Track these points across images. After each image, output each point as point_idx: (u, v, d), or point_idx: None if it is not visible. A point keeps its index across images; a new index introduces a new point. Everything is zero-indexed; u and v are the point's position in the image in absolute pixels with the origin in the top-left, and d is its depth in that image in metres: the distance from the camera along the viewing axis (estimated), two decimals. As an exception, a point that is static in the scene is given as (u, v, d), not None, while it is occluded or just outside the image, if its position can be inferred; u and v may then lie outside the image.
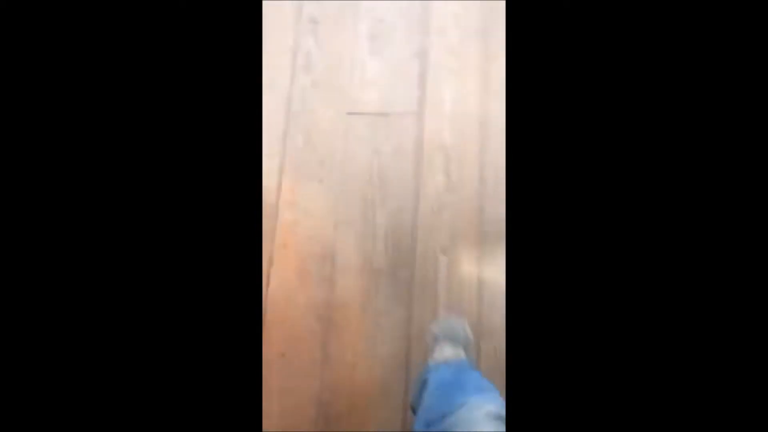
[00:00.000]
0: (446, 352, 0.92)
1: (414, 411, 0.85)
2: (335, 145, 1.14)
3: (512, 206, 0.39)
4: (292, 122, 1.15)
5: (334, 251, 1.08)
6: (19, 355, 0.35)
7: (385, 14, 1.21)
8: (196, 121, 0.38)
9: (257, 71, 0.41)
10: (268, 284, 1.07)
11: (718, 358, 0.34)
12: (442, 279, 1.06)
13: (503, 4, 1.15)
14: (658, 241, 0.36)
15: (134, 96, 0.37)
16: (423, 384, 0.83)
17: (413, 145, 1.13)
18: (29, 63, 0.36)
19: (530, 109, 0.39)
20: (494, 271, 1.05)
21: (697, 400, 0.34)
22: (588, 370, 0.36)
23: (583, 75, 0.37)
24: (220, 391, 0.37)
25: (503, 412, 0.58)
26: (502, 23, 1.17)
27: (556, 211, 0.38)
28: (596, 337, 0.36)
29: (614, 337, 0.36)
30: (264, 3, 1.05)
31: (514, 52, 0.39)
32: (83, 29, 0.37)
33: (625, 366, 0.36)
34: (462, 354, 0.93)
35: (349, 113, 1.15)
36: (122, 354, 0.36)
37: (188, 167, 0.38)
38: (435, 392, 0.77)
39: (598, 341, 0.36)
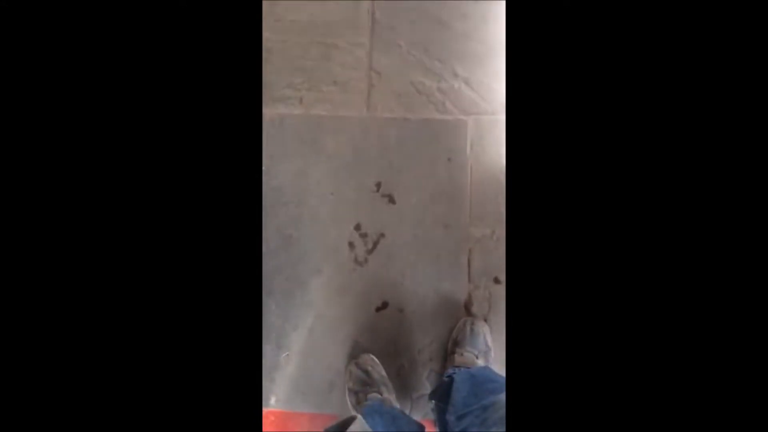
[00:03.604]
0: (467, 358, 0.93)
1: (435, 403, 0.86)
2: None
3: (512, 206, 0.39)
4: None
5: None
6: (19, 355, 0.35)
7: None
8: (195, 120, 0.38)
9: (257, 72, 0.41)
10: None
11: (710, 358, 0.34)
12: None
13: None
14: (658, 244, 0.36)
15: (133, 95, 0.37)
16: (449, 381, 0.84)
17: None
18: (28, 63, 0.36)
19: (530, 114, 0.38)
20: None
21: (694, 399, 0.34)
22: (589, 373, 0.36)
23: (583, 75, 0.37)
24: (219, 379, 0.37)
25: None
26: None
27: (557, 212, 0.38)
28: (597, 339, 0.36)
29: (614, 340, 0.36)
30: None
31: (514, 52, 0.39)
32: (83, 30, 0.37)
33: (624, 369, 0.35)
34: (481, 363, 0.93)
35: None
36: (123, 351, 0.36)
37: (187, 167, 0.38)
38: (464, 387, 0.78)
39: (599, 343, 0.36)
